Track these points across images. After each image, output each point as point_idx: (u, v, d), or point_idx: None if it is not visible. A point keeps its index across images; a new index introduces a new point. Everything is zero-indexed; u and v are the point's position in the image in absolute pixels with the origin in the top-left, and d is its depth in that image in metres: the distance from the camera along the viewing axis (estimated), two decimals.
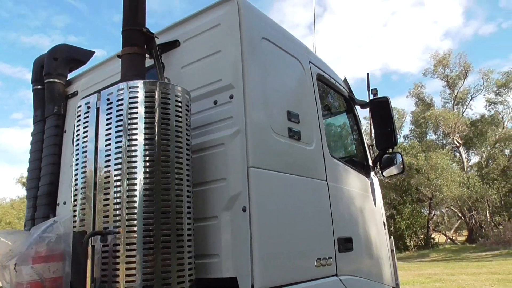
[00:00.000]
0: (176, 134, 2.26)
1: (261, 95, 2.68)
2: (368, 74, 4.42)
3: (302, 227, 2.74)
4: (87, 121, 2.36)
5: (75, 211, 2.28)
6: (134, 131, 2.16)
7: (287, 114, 2.87)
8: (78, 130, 2.41)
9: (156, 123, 2.20)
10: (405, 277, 15.60)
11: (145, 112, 2.19)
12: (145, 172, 2.12)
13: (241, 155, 2.46)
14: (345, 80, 4.14)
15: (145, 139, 2.16)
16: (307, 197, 2.88)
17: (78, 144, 2.38)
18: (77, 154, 2.37)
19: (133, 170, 2.12)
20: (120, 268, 2.02)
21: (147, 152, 2.14)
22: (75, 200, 2.30)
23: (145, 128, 2.17)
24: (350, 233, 3.30)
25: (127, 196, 2.09)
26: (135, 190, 2.09)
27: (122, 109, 2.21)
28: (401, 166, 3.93)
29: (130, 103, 2.20)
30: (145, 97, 2.21)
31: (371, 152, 4.25)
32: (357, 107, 4.24)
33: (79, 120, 2.42)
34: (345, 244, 3.17)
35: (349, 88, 4.12)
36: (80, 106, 2.44)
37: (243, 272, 2.31)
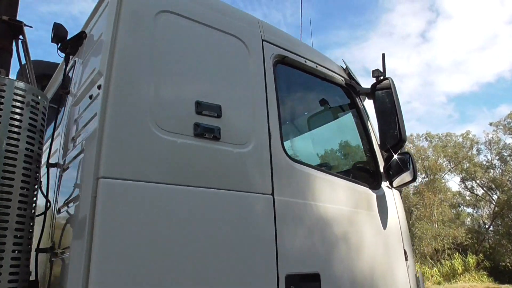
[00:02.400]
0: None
1: (141, 82, 2.01)
2: (383, 54, 3.40)
3: (203, 261, 1.95)
4: None
5: None
6: None
7: (195, 106, 2.14)
8: None
9: None
10: None
11: None
12: None
13: (93, 163, 1.81)
14: (345, 66, 3.20)
15: None
16: (220, 218, 2.07)
17: None
18: None
19: None
20: None
21: None
22: None
23: None
24: (316, 267, 2.36)
25: None
26: None
27: None
28: (413, 171, 2.80)
29: None
30: None
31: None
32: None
33: None
34: (302, 284, 2.26)
35: (349, 75, 3.16)
36: None
37: None
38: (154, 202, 1.88)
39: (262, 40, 2.62)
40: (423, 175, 33.60)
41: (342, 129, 3.39)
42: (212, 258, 1.98)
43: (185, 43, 2.25)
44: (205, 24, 2.36)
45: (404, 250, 2.99)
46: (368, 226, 2.77)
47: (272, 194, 2.29)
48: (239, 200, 2.16)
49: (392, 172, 2.86)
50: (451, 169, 33.28)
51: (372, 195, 2.89)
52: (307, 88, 3.09)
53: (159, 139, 1.96)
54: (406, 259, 2.97)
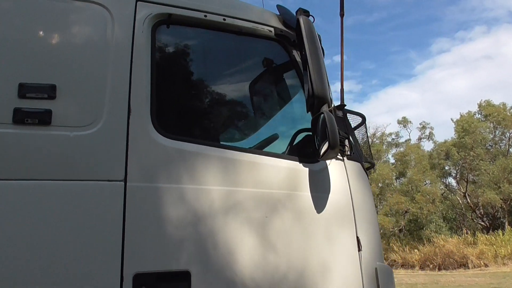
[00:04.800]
0: None
1: None
2: None
3: (22, 263, 1.77)
4: None
5: None
6: None
7: (18, 89, 1.91)
8: None
9: None
10: None
11: None
12: None
13: None
14: (280, 9, 2.60)
15: None
16: (49, 212, 1.85)
17: None
18: None
19: None
20: None
21: None
22: None
23: None
24: (186, 264, 1.95)
25: None
26: None
27: None
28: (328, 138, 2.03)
29: None
30: None
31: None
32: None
33: None
34: (161, 284, 1.89)
35: (285, 23, 2.54)
36: None
37: None
38: None
39: (136, 1, 2.24)
40: None
41: (277, 91, 2.75)
42: (34, 259, 1.78)
43: (12, 20, 2.02)
44: None
45: (358, 238, 2.32)
46: (285, 210, 2.19)
47: (125, 180, 1.95)
48: (77, 191, 1.90)
49: (320, 138, 2.20)
50: None
51: (302, 171, 2.29)
52: (216, 48, 2.55)
53: None
54: (360, 249, 2.30)
